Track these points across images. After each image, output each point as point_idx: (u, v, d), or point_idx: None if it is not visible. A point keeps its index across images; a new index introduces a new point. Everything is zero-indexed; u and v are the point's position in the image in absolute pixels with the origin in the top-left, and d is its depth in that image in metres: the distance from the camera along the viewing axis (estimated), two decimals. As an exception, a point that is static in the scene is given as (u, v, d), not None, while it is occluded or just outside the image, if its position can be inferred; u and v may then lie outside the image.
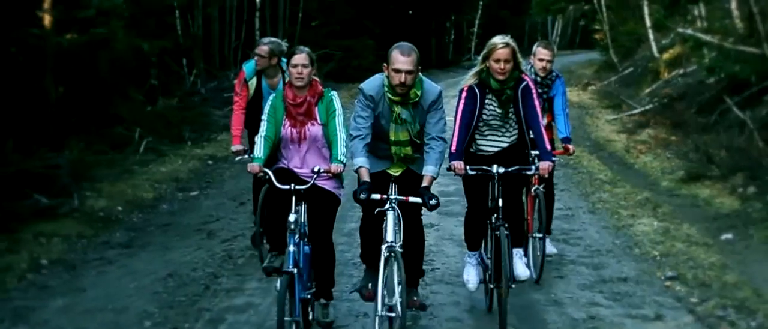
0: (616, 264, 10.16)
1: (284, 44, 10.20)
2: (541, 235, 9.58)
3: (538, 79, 9.78)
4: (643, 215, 12.63)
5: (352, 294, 8.25)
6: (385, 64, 7.28)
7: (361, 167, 7.23)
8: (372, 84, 7.46)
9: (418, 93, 7.35)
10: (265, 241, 9.54)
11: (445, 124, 7.46)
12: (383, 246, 7.06)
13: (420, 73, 7.37)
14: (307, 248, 7.56)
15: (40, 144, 14.82)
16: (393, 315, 6.96)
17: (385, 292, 6.95)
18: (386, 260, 7.01)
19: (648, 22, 30.81)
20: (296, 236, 7.28)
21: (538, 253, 9.55)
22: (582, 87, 33.66)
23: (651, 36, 30.31)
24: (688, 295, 9.02)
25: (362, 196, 7.00)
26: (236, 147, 9.92)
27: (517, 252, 8.20)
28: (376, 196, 7.10)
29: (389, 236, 7.06)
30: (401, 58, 7.12)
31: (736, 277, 9.61)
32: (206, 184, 15.23)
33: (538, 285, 9.22)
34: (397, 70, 7.14)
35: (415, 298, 7.80)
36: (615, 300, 8.83)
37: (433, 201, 6.98)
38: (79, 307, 8.61)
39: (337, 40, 38.32)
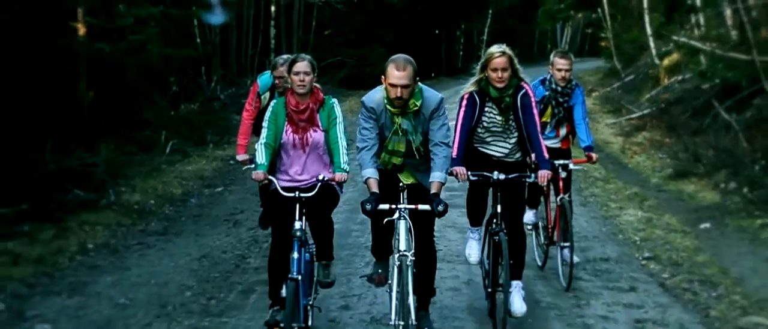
0: (600, 247, 11.35)
1: None
2: (566, 244, 9.59)
3: (559, 88, 9.89)
4: (629, 207, 13.84)
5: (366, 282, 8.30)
6: (383, 77, 7.25)
7: (369, 178, 7.18)
8: (372, 97, 7.43)
9: (418, 103, 7.30)
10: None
11: (448, 129, 7.43)
12: (395, 255, 7.11)
13: (419, 83, 7.32)
14: (307, 255, 7.70)
15: (74, 145, 16.11)
16: (403, 323, 6.88)
17: (398, 303, 6.99)
18: (399, 269, 7.03)
19: (649, 31, 31.82)
20: (299, 243, 7.39)
21: (566, 262, 9.60)
22: (586, 93, 34.64)
23: (652, 44, 31.28)
24: (661, 272, 10.26)
25: (368, 207, 6.92)
26: (242, 156, 9.99)
27: (517, 285, 8.20)
28: (384, 206, 7.06)
29: (402, 245, 7.05)
30: (396, 73, 7.09)
31: (707, 258, 10.82)
32: (229, 181, 16.42)
33: (567, 292, 9.40)
34: (393, 85, 7.12)
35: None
36: (596, 275, 10.02)
37: (440, 207, 6.91)
38: (126, 282, 9.84)
39: (350, 49, 39.35)
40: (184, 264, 10.65)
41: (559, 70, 9.85)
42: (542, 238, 10.53)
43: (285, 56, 9.90)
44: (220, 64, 28.20)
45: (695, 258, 10.79)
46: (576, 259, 9.93)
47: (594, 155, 10.02)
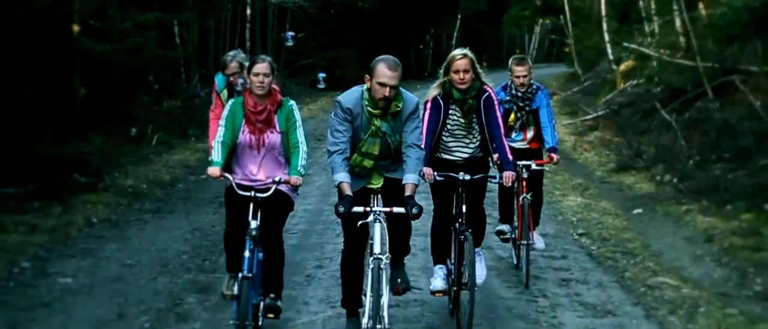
0: (540, 227, 12.94)
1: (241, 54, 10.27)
2: (526, 242, 9.93)
3: (519, 94, 10.18)
4: (571, 195, 15.58)
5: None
6: (367, 76, 7.21)
7: (341, 182, 7.12)
8: (350, 97, 7.37)
9: (400, 105, 7.30)
10: None
11: (421, 132, 7.54)
12: (370, 258, 7.02)
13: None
14: (260, 255, 7.70)
15: (69, 136, 17.69)
16: (380, 326, 6.89)
17: (372, 304, 6.93)
18: (374, 272, 6.92)
19: (606, 37, 33.45)
20: (253, 243, 7.44)
21: (526, 260, 9.95)
22: (548, 96, 36.24)
23: (609, 50, 32.91)
24: (590, 245, 11.98)
25: (342, 209, 6.89)
26: None
27: (477, 252, 8.41)
28: (359, 209, 7.01)
29: (376, 248, 6.98)
30: (388, 73, 7.07)
31: (632, 236, 12.53)
32: (213, 170, 17.95)
33: (526, 289, 9.79)
34: (383, 84, 7.08)
35: (399, 281, 7.83)
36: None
37: (414, 210, 6.91)
38: (130, 249, 11.40)
39: (323, 51, 40.93)
40: (178, 235, 12.22)
41: (517, 76, 10.14)
42: (516, 237, 10.63)
43: (232, 53, 10.21)
44: (199, 65, 29.73)
45: (622, 235, 12.48)
46: (542, 245, 10.67)
47: (555, 156, 10.20)
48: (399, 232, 7.57)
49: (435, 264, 8.62)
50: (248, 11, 35.22)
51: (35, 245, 11.10)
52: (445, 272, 8.48)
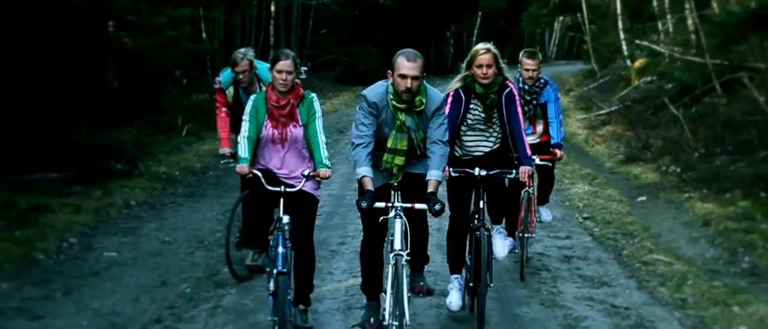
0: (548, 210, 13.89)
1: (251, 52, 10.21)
2: (526, 235, 10.11)
3: (526, 87, 10.15)
4: (579, 183, 16.45)
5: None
6: (389, 71, 7.18)
7: (364, 176, 7.10)
8: (375, 91, 7.36)
9: (424, 100, 7.26)
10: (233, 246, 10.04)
11: (446, 129, 7.45)
12: (390, 254, 6.99)
13: (424, 81, 7.28)
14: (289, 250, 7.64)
15: (104, 126, 18.72)
16: (397, 323, 6.89)
17: (392, 301, 6.91)
18: (394, 268, 6.91)
19: (622, 35, 34.21)
20: (285, 238, 7.45)
21: (526, 252, 10.16)
22: (564, 92, 37.09)
23: (624, 47, 33.67)
24: (593, 227, 12.87)
25: (364, 205, 6.85)
26: (225, 150, 10.51)
27: (497, 228, 8.53)
28: (380, 204, 6.97)
29: (396, 244, 6.93)
30: (407, 64, 7.04)
31: (634, 220, 13.38)
32: (241, 159, 18.98)
33: (522, 281, 9.98)
34: (403, 76, 7.04)
35: (421, 284, 7.75)
36: (541, 229, 12.49)
37: (437, 206, 6.85)
38: (167, 228, 12.39)
39: (345, 47, 41.93)
40: (211, 216, 13.22)
41: (526, 69, 10.17)
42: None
43: (243, 50, 10.15)
44: (224, 60, 30.66)
45: (625, 220, 13.34)
46: (549, 218, 11.16)
47: (559, 152, 10.31)
48: (417, 232, 7.49)
49: (451, 273, 8.50)
50: (272, 8, 36.14)
51: (80, 224, 12.09)
52: (461, 284, 8.42)
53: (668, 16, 28.88)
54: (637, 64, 30.88)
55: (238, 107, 9.72)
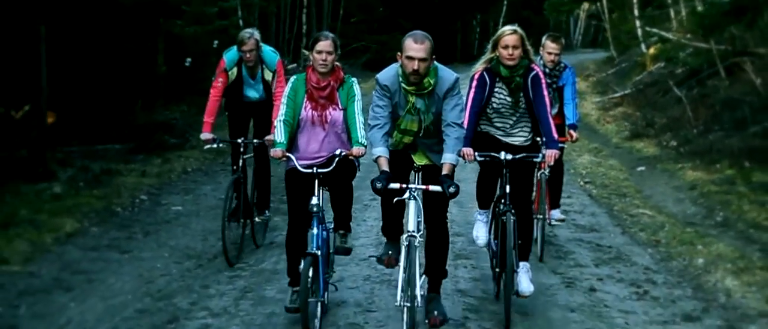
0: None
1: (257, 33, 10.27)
2: (541, 217, 10.29)
3: (547, 70, 10.17)
4: (585, 155, 18.27)
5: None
6: (399, 53, 7.09)
7: (380, 156, 7.06)
8: (387, 74, 7.31)
9: (432, 82, 7.14)
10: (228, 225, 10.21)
11: (461, 110, 7.31)
12: (403, 236, 6.97)
13: (435, 62, 7.19)
14: (324, 233, 7.66)
15: (155, 106, 20.71)
16: (409, 305, 6.90)
17: (405, 283, 6.90)
18: (407, 249, 6.90)
19: (638, 22, 35.74)
20: (318, 220, 7.40)
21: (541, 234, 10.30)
22: (583, 77, 38.57)
23: (640, 33, 35.22)
24: (592, 189, 14.74)
25: (379, 185, 6.77)
26: (206, 135, 10.51)
27: (524, 266, 8.14)
28: (395, 185, 6.90)
29: (410, 225, 6.92)
30: (414, 46, 6.96)
31: (630, 184, 15.23)
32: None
33: (541, 262, 10.06)
34: (410, 58, 6.97)
35: (435, 313, 7.32)
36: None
37: (452, 189, 6.75)
38: (221, 189, 14.13)
39: (374, 35, 43.75)
40: (259, 181, 15.12)
41: (549, 53, 10.30)
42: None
43: (249, 30, 10.18)
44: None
45: (621, 184, 15.22)
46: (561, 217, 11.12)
47: (574, 134, 10.50)
48: (435, 216, 7.43)
49: (480, 207, 8.65)
50: (305, -2, 38.07)
51: (147, 185, 14.08)
52: (487, 220, 8.59)
53: (682, 4, 30.38)
54: (652, 50, 32.27)
55: (239, 87, 10.36)
